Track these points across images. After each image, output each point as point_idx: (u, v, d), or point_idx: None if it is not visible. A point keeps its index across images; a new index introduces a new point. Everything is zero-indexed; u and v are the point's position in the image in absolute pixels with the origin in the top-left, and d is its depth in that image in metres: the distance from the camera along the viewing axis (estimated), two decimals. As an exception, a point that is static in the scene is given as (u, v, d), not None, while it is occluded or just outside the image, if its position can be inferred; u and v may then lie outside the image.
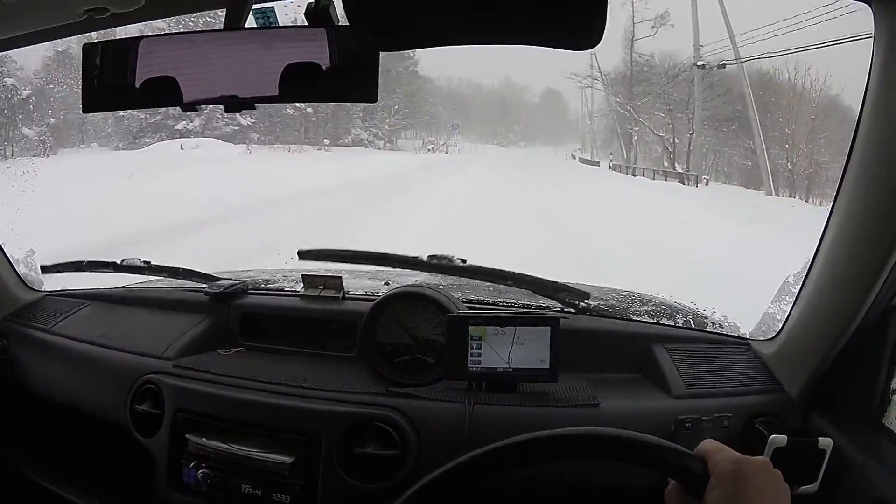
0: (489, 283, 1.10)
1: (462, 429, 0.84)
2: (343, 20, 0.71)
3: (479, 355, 0.89)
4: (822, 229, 0.80)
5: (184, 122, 17.79)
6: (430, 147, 27.47)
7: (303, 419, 0.88)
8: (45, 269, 1.23)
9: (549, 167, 23.02)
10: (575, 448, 0.53)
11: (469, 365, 0.90)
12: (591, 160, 29.26)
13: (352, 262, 1.12)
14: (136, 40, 0.77)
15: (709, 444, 0.51)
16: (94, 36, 0.90)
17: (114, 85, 0.79)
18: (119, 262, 1.20)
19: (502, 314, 0.93)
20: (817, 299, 0.82)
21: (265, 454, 0.87)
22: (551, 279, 1.06)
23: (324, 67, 0.74)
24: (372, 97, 0.73)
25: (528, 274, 1.06)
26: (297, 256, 1.09)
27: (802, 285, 0.85)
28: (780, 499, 0.49)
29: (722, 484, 0.48)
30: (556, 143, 38.14)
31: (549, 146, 37.31)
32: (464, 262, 1.08)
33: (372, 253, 1.13)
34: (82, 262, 1.21)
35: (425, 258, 1.08)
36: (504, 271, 1.07)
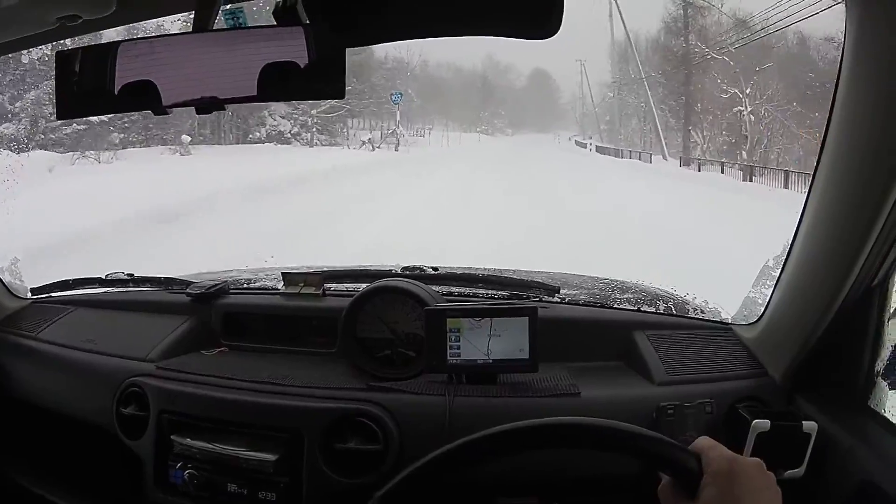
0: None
1: (443, 421, 0.84)
2: (308, 18, 0.72)
3: (458, 347, 0.89)
4: (801, 211, 0.80)
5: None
6: (367, 142, 17.78)
7: (285, 416, 0.88)
8: (35, 291, 1.25)
9: (553, 160, 17.95)
10: (571, 438, 0.53)
11: (448, 357, 0.90)
12: (605, 146, 24.37)
13: (331, 282, 1.14)
14: (109, 45, 0.77)
15: (704, 441, 0.51)
16: (69, 44, 0.91)
17: (88, 91, 0.79)
18: (104, 276, 1.22)
19: (480, 306, 0.93)
20: (798, 282, 0.82)
21: (249, 453, 0.87)
22: (524, 272, 1.06)
23: (292, 66, 0.75)
24: (340, 94, 0.73)
25: (499, 274, 1.08)
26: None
27: (783, 268, 0.84)
28: (773, 501, 0.49)
29: (716, 481, 0.48)
30: (548, 128, 34.31)
31: (541, 133, 33.03)
32: (435, 269, 1.12)
33: (347, 270, 1.21)
34: (69, 280, 1.23)
35: (399, 269, 1.13)
36: (475, 275, 1.10)
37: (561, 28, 0.56)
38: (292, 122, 17.48)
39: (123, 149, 13.48)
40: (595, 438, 0.52)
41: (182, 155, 13.92)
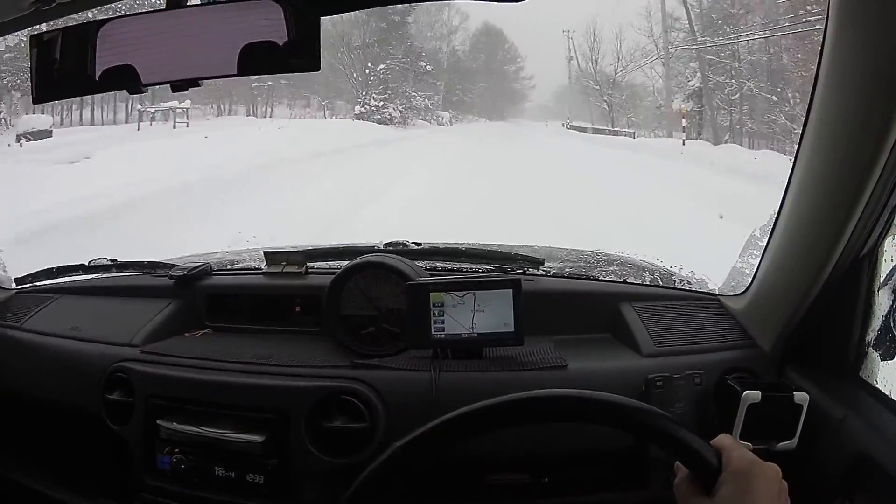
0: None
1: (429, 397, 0.83)
2: (283, -8, 0.71)
3: (443, 322, 0.88)
4: (787, 179, 0.78)
5: None
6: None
7: (270, 397, 0.87)
8: (19, 281, 1.24)
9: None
10: (595, 414, 0.52)
11: (433, 332, 0.89)
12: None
13: (314, 260, 1.13)
14: (84, 26, 0.77)
15: (726, 440, 0.51)
16: (44, 27, 0.90)
17: (64, 73, 0.79)
18: (87, 263, 1.22)
19: (463, 279, 0.92)
20: (785, 251, 0.81)
21: (236, 435, 0.86)
22: (508, 246, 1.04)
23: (267, 40, 0.74)
24: (314, 66, 0.72)
25: (481, 246, 1.06)
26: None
27: (770, 238, 0.83)
28: None
29: (734, 480, 0.48)
30: (507, 114, 24.79)
31: (501, 120, 23.91)
32: (418, 244, 1.11)
33: (329, 248, 1.19)
34: (53, 268, 1.23)
35: (381, 246, 1.12)
36: (458, 249, 1.09)
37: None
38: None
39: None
40: (619, 417, 0.52)
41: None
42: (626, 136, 17.99)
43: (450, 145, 13.58)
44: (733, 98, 15.75)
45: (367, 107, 17.98)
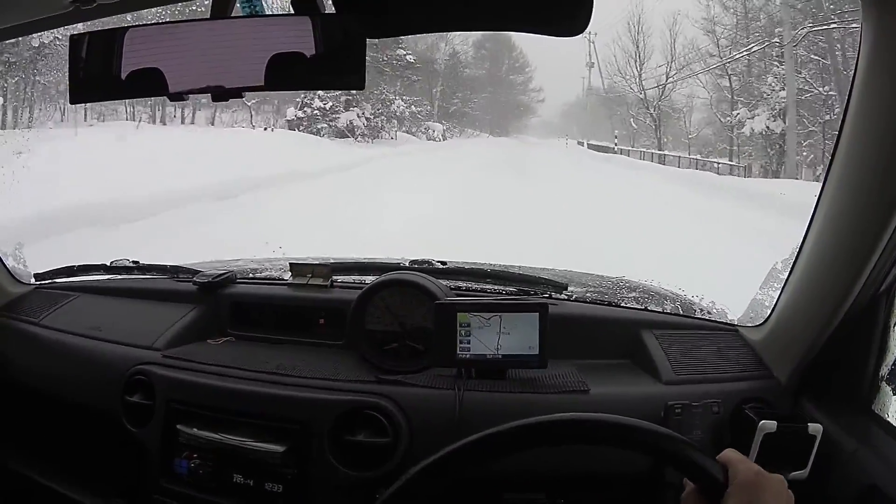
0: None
1: (452, 416, 0.84)
2: (329, 7, 0.71)
3: (468, 342, 0.89)
4: (811, 214, 0.80)
5: None
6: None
7: (293, 408, 0.88)
8: (39, 277, 1.24)
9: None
10: (606, 436, 0.53)
11: (458, 352, 0.90)
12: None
13: (340, 274, 1.13)
14: (122, 30, 0.77)
15: (732, 454, 0.51)
16: (81, 27, 0.90)
17: (100, 75, 0.79)
18: (109, 263, 1.22)
19: (490, 301, 0.93)
20: (806, 285, 0.82)
21: (256, 443, 0.87)
22: (531, 269, 1.06)
23: (309, 55, 0.74)
24: (359, 84, 0.73)
25: (505, 268, 1.07)
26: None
27: (791, 271, 0.85)
28: None
29: (740, 493, 0.48)
30: (511, 129, 22.03)
31: (504, 136, 21.10)
32: (444, 263, 1.12)
33: (354, 262, 1.20)
34: (73, 266, 1.23)
35: (407, 263, 1.13)
36: (483, 270, 1.10)
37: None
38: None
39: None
40: (625, 437, 0.53)
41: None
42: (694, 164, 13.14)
43: (436, 177, 8.79)
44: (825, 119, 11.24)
45: (308, 110, 12.02)
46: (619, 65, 17.35)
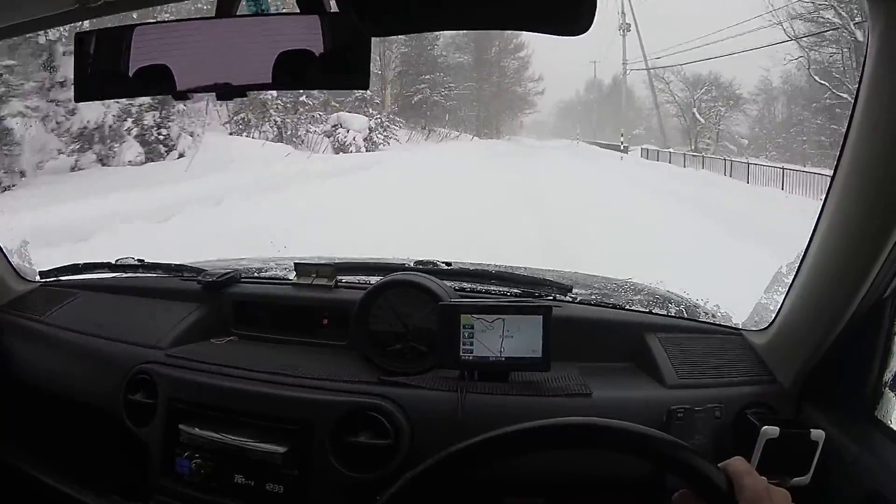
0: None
1: (454, 418, 0.84)
2: (334, 7, 0.71)
3: (471, 344, 0.89)
4: (816, 219, 0.80)
5: None
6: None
7: (295, 408, 0.88)
8: (43, 274, 1.24)
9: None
10: (604, 440, 0.53)
11: (461, 354, 0.90)
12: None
13: (344, 274, 1.13)
14: (128, 28, 0.77)
15: (740, 465, 0.50)
16: (87, 25, 0.90)
17: (106, 73, 0.79)
18: (114, 262, 1.22)
19: (494, 303, 0.93)
20: (810, 290, 0.82)
21: (258, 444, 0.87)
22: (536, 270, 1.06)
23: (315, 55, 0.74)
24: (364, 84, 0.73)
25: (512, 271, 1.07)
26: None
27: (795, 276, 0.85)
28: None
29: None
30: (504, 130, 17.65)
31: (495, 138, 16.97)
32: (448, 264, 1.11)
33: (359, 262, 1.20)
34: (78, 264, 1.23)
35: (412, 263, 1.12)
36: (487, 271, 1.10)
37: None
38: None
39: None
40: (627, 442, 0.52)
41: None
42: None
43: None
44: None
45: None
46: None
